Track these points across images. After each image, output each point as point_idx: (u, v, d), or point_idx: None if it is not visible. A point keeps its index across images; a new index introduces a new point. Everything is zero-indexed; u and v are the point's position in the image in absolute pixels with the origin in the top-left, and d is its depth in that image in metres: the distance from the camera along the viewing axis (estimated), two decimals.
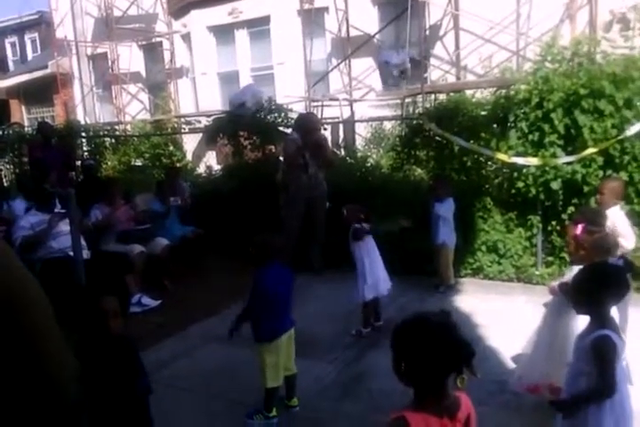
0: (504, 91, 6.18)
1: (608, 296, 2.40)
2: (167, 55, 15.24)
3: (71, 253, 4.77)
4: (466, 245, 5.91)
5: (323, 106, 11.50)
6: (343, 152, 8.85)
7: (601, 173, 5.26)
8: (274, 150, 8.09)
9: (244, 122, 8.19)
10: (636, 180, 5.21)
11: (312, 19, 11.78)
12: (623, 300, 2.59)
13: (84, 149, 11.08)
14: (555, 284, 3.50)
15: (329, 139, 7.83)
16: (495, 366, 3.90)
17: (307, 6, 11.77)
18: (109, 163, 10.69)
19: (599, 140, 5.20)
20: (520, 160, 5.51)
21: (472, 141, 6.05)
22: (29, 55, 21.54)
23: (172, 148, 10.90)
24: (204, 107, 13.40)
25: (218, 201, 7.45)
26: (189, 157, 11.49)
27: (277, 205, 6.36)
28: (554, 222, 5.64)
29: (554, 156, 5.37)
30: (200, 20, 13.83)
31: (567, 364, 2.63)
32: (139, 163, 10.59)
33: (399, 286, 5.30)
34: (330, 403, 3.62)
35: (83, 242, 5.10)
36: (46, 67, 17.48)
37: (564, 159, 5.33)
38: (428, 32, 11.02)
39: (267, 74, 13.40)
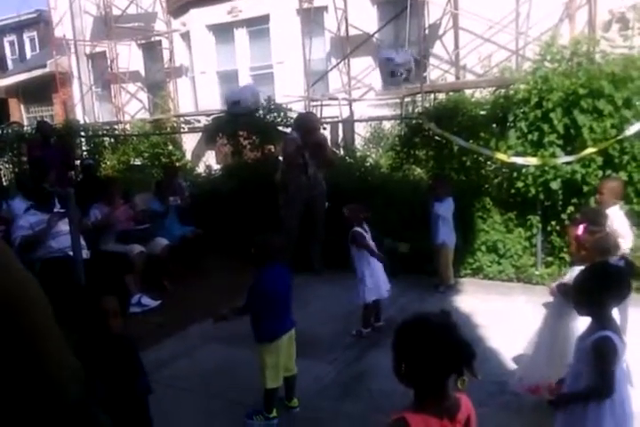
0: (503, 90, 6.18)
1: (609, 297, 2.40)
2: (166, 54, 15.23)
3: (71, 253, 4.77)
4: (465, 244, 5.91)
5: (322, 105, 11.50)
6: (342, 152, 8.85)
7: (600, 172, 5.26)
8: (273, 150, 8.08)
9: (243, 121, 8.17)
10: (636, 180, 5.21)
11: (311, 18, 11.77)
12: (624, 301, 2.59)
13: (84, 148, 11.07)
14: (554, 285, 3.50)
15: (328, 138, 7.82)
16: (495, 367, 3.90)
17: (306, 5, 11.76)
18: (108, 162, 10.68)
19: (598, 139, 5.20)
20: (519, 160, 5.51)
21: (471, 141, 6.05)
22: (28, 54, 21.50)
23: (171, 147, 10.90)
24: (203, 106, 13.39)
25: (217, 201, 7.44)
26: (189, 156, 11.49)
27: (277, 204, 6.35)
28: (553, 222, 5.64)
29: (553, 155, 5.37)
30: (199, 18, 13.82)
31: (568, 365, 2.63)
32: (138, 162, 10.58)
33: (399, 285, 5.30)
34: (330, 403, 3.63)
35: (82, 242, 5.10)
36: (45, 66, 17.45)
37: (563, 159, 5.33)
38: (427, 31, 11.01)
39: (266, 73, 13.39)
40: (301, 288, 4.77)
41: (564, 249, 5.56)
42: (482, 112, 6.20)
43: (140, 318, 5.03)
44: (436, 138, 6.44)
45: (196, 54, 14.28)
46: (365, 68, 11.96)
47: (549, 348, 3.28)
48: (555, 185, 5.37)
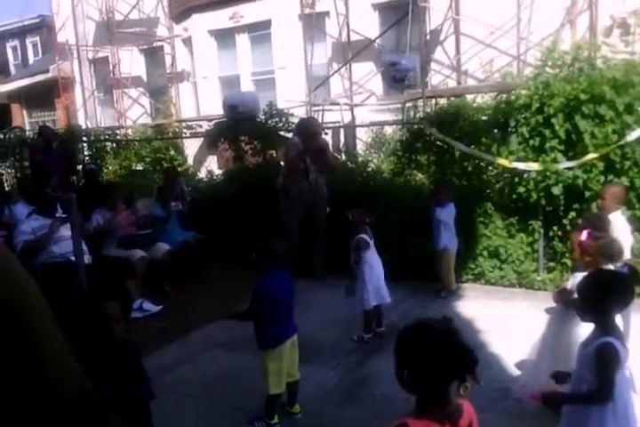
0: (505, 96, 6.19)
1: (613, 304, 2.39)
2: (168, 59, 15.28)
3: (72, 258, 4.78)
4: (467, 250, 5.91)
5: (323, 110, 11.51)
6: (344, 157, 8.86)
7: (602, 178, 5.26)
8: (275, 155, 8.10)
9: (244, 126, 8.19)
10: (637, 185, 5.21)
11: (313, 23, 11.81)
12: (627, 307, 2.58)
13: (86, 153, 11.10)
14: (554, 292, 3.50)
15: (330, 143, 7.84)
16: (497, 373, 3.89)
17: (307, 11, 11.80)
18: (110, 167, 10.71)
19: (600, 145, 5.21)
20: (521, 165, 5.51)
21: (473, 146, 6.06)
22: (31, 59, 21.57)
23: (173, 152, 10.92)
24: (205, 111, 13.42)
25: (219, 206, 7.45)
26: (190, 161, 11.51)
27: (278, 209, 6.36)
28: (555, 228, 5.64)
29: (555, 161, 5.37)
30: (201, 24, 13.87)
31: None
32: (140, 167, 10.60)
33: (401, 291, 5.30)
34: (332, 409, 3.62)
35: (84, 247, 5.11)
36: (47, 71, 17.52)
37: (564, 164, 5.33)
38: (428, 37, 11.04)
39: (267, 78, 13.42)
40: (303, 293, 4.76)
41: (566, 254, 5.55)
42: (483, 117, 6.22)
43: (142, 324, 5.03)
44: (438, 143, 6.45)
45: (197, 59, 14.33)
46: (367, 74, 11.99)
47: (553, 354, 3.28)
48: (556, 190, 5.37)
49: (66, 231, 5.06)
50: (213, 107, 13.21)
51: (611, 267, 3.16)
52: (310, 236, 6.37)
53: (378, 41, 11.65)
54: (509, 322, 4.82)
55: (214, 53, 14.11)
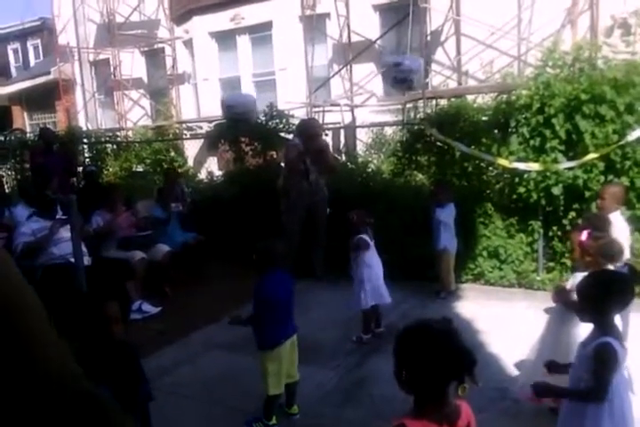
0: (505, 96, 6.19)
1: (613, 304, 2.39)
2: (169, 61, 15.31)
3: (72, 260, 4.78)
4: (467, 250, 5.90)
5: (324, 111, 11.52)
6: (344, 158, 8.85)
7: (602, 178, 5.25)
8: (275, 156, 8.10)
9: (244, 128, 8.19)
10: (638, 185, 5.20)
11: (314, 25, 11.82)
12: (626, 307, 2.58)
13: (86, 155, 11.11)
14: (553, 293, 3.49)
15: (330, 144, 7.84)
16: (496, 373, 3.88)
17: (308, 12, 11.82)
18: (111, 169, 10.72)
19: (600, 145, 5.20)
20: (521, 165, 5.51)
21: (473, 147, 6.05)
22: (32, 61, 21.61)
23: (173, 153, 10.92)
24: (205, 112, 13.44)
25: (219, 207, 7.45)
26: (191, 162, 11.51)
27: (278, 210, 6.35)
28: (555, 228, 5.63)
29: (555, 161, 5.37)
30: (202, 25, 13.89)
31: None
32: (140, 169, 10.61)
33: (400, 291, 5.29)
34: (331, 409, 3.61)
35: (83, 248, 5.11)
36: (48, 73, 17.55)
37: (565, 164, 5.32)
38: (429, 38, 11.04)
39: (268, 80, 13.44)
40: (303, 294, 4.75)
41: (566, 254, 5.55)
42: (484, 118, 6.21)
43: (141, 325, 5.03)
44: (438, 144, 6.45)
45: (198, 61, 14.35)
46: (367, 75, 12.00)
47: (552, 354, 3.25)
48: (556, 190, 5.36)
49: (66, 233, 5.06)
50: (214, 108, 13.21)
51: (611, 267, 3.15)
52: (311, 237, 6.37)
53: (378, 42, 11.66)
54: (509, 322, 4.82)
55: (215, 55, 14.13)
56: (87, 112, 16.93)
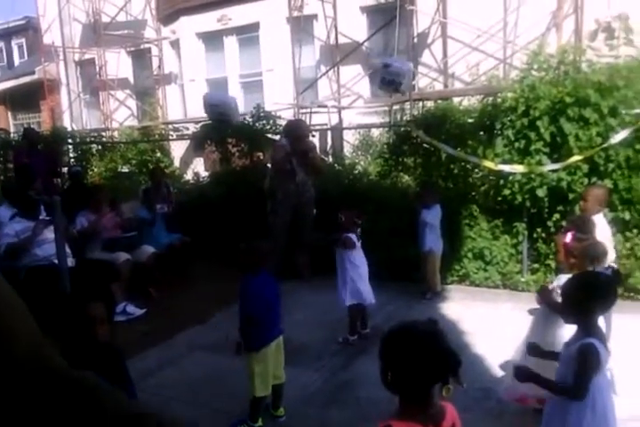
0: (491, 98, 6.24)
1: (596, 305, 2.40)
2: (155, 61, 15.24)
3: (56, 261, 4.73)
4: (452, 252, 5.93)
5: (311, 113, 11.53)
6: (331, 159, 8.86)
7: (586, 180, 5.30)
8: (262, 157, 8.08)
9: (224, 128, 8.15)
10: (621, 187, 5.25)
11: (301, 26, 11.83)
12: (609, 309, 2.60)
13: (71, 155, 11.00)
14: (536, 295, 3.50)
15: (317, 146, 7.83)
16: (481, 374, 3.90)
17: (296, 13, 11.82)
18: (96, 169, 10.63)
19: (584, 147, 5.25)
20: (506, 168, 5.54)
21: (459, 149, 6.09)
22: (16, 61, 21.40)
23: (159, 154, 10.86)
24: (192, 113, 13.38)
25: (205, 208, 7.42)
26: (177, 163, 11.45)
27: (265, 211, 6.34)
28: (539, 229, 5.67)
29: (539, 163, 5.41)
30: (189, 26, 13.84)
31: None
32: (126, 169, 10.53)
33: (386, 293, 5.30)
34: (316, 411, 3.60)
35: (67, 250, 5.06)
36: (33, 73, 17.40)
37: (549, 167, 5.37)
38: (415, 40, 11.10)
39: (255, 81, 13.43)
40: (289, 295, 4.74)
41: (550, 256, 5.59)
42: (469, 120, 6.26)
43: (126, 327, 4.98)
44: (425, 146, 6.48)
45: (185, 62, 14.30)
46: (354, 77, 12.03)
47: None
48: (541, 192, 5.41)
49: (49, 234, 5.01)
50: (200, 109, 13.11)
51: (595, 269, 3.18)
52: (297, 237, 6.36)
53: (366, 44, 11.70)
54: (494, 323, 4.84)
55: (202, 56, 14.09)
56: (72, 112, 16.80)
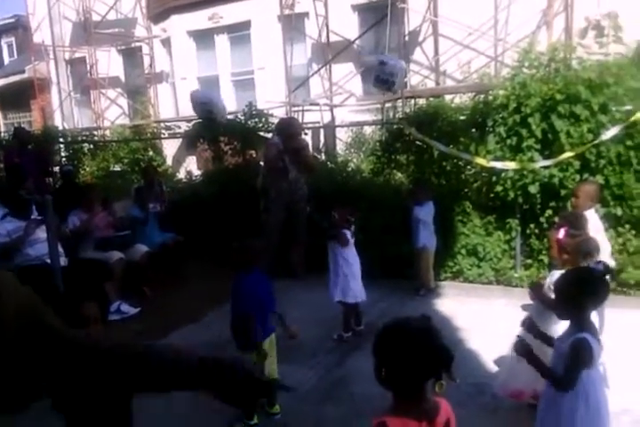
0: (482, 96, 6.26)
1: (589, 301, 2.42)
2: (147, 60, 15.17)
3: (48, 261, 4.71)
4: (446, 248, 5.95)
5: (303, 111, 11.52)
6: (324, 157, 8.86)
7: (578, 176, 5.33)
8: (254, 155, 8.07)
9: (216, 125, 8.13)
10: (612, 183, 5.29)
11: (292, 24, 11.82)
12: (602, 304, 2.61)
13: (62, 154, 10.95)
14: (529, 291, 3.51)
15: (310, 144, 7.83)
16: (475, 369, 3.92)
17: (287, 12, 11.81)
18: (88, 168, 10.59)
19: (575, 144, 5.28)
20: (498, 164, 5.57)
21: (451, 146, 6.11)
22: (6, 60, 21.24)
23: (151, 153, 10.84)
24: (183, 112, 13.33)
25: (198, 207, 7.40)
26: (169, 162, 11.43)
27: (258, 210, 6.33)
28: (532, 225, 5.70)
29: (531, 160, 5.43)
30: (180, 24, 13.79)
31: None
32: (118, 168, 10.50)
33: (380, 290, 5.32)
34: (311, 408, 3.61)
35: (60, 249, 5.04)
36: (23, 71, 17.28)
37: (541, 163, 5.39)
38: (407, 38, 11.11)
39: (247, 79, 13.40)
40: (283, 293, 4.73)
41: (543, 252, 5.63)
42: (461, 117, 6.27)
43: (120, 326, 4.97)
44: (417, 143, 6.49)
45: (176, 60, 14.25)
46: (346, 74, 12.03)
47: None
48: (533, 189, 5.43)
49: (41, 233, 4.99)
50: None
51: (587, 264, 3.19)
52: (290, 235, 6.36)
53: (357, 42, 11.69)
54: (487, 319, 4.87)
55: (193, 54, 14.04)
56: (63, 111, 16.70)
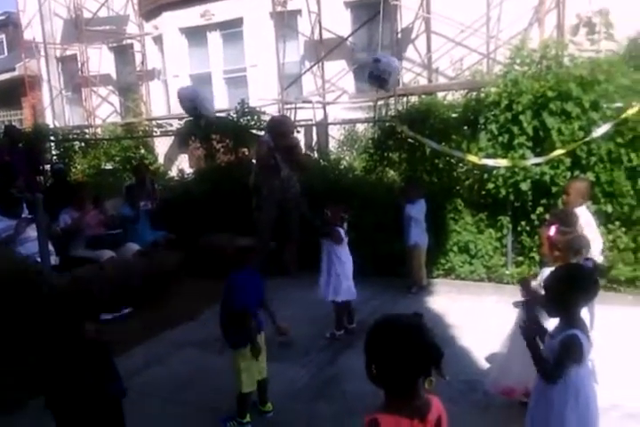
0: (474, 93, 6.26)
1: (579, 297, 2.43)
2: (138, 57, 15.11)
3: (39, 260, 4.69)
4: (437, 246, 5.96)
5: (296, 108, 11.51)
6: (316, 154, 8.85)
7: (569, 173, 5.35)
8: (247, 153, 8.05)
9: (207, 123, 8.10)
10: (603, 180, 5.31)
11: (285, 21, 11.79)
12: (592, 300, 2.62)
13: (53, 152, 10.89)
14: (519, 286, 3.52)
15: (302, 141, 7.82)
16: (467, 366, 3.93)
17: (279, 9, 11.78)
18: (79, 166, 10.54)
19: (567, 141, 5.30)
20: (490, 162, 5.58)
21: (443, 143, 6.11)
22: None
23: (143, 151, 10.80)
24: (175, 109, 13.26)
25: (190, 205, 7.36)
26: (161, 160, 11.39)
27: (250, 208, 6.32)
28: (523, 223, 5.72)
29: (523, 157, 5.45)
30: (172, 21, 13.73)
31: None
32: (109, 166, 10.45)
33: (372, 288, 5.33)
34: (304, 406, 3.61)
35: (51, 247, 5.02)
36: (14, 69, 17.17)
37: (532, 160, 5.41)
38: (400, 35, 11.11)
39: (240, 76, 13.37)
40: (275, 291, 4.74)
41: (534, 249, 5.64)
42: (453, 115, 6.28)
43: (112, 325, 4.95)
44: (409, 140, 6.49)
45: (168, 57, 14.19)
46: (339, 72, 12.01)
47: (523, 348, 3.28)
48: (524, 186, 5.45)
49: (32, 232, 4.97)
50: None
51: (577, 261, 3.20)
52: (283, 233, 6.35)
53: (350, 39, 11.68)
54: (479, 316, 4.89)
55: (185, 51, 13.99)
56: (54, 109, 16.61)
